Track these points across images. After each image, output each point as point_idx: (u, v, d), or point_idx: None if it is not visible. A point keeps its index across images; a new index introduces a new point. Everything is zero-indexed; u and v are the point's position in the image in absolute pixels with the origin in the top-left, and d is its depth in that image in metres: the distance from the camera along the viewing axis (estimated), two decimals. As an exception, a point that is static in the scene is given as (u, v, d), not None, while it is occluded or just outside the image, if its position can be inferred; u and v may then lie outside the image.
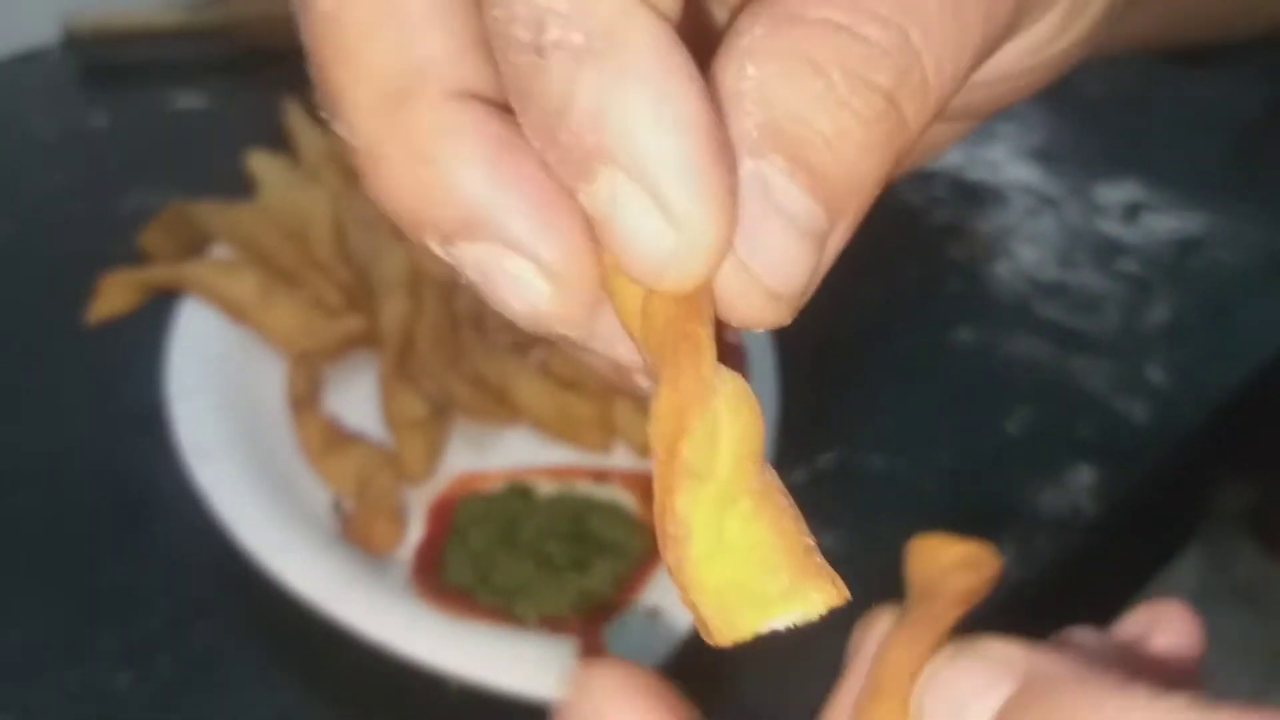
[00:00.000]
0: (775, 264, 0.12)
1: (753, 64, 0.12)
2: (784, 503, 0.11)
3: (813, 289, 0.13)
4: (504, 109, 0.12)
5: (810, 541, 0.11)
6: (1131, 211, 0.50)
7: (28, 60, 0.65)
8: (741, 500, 0.11)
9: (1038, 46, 0.15)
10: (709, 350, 0.11)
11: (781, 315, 0.13)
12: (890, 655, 0.15)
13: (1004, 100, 0.16)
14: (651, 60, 0.11)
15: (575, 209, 0.12)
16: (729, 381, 0.11)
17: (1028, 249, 0.48)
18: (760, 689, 0.31)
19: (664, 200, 0.11)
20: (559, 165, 0.12)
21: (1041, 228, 0.50)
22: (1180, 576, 0.84)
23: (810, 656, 0.32)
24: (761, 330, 0.13)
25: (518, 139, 0.12)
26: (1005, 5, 0.14)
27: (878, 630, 0.16)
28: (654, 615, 0.29)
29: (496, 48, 0.12)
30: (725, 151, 0.12)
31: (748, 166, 0.12)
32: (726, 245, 0.12)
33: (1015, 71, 0.16)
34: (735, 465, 0.11)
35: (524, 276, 0.12)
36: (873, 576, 0.37)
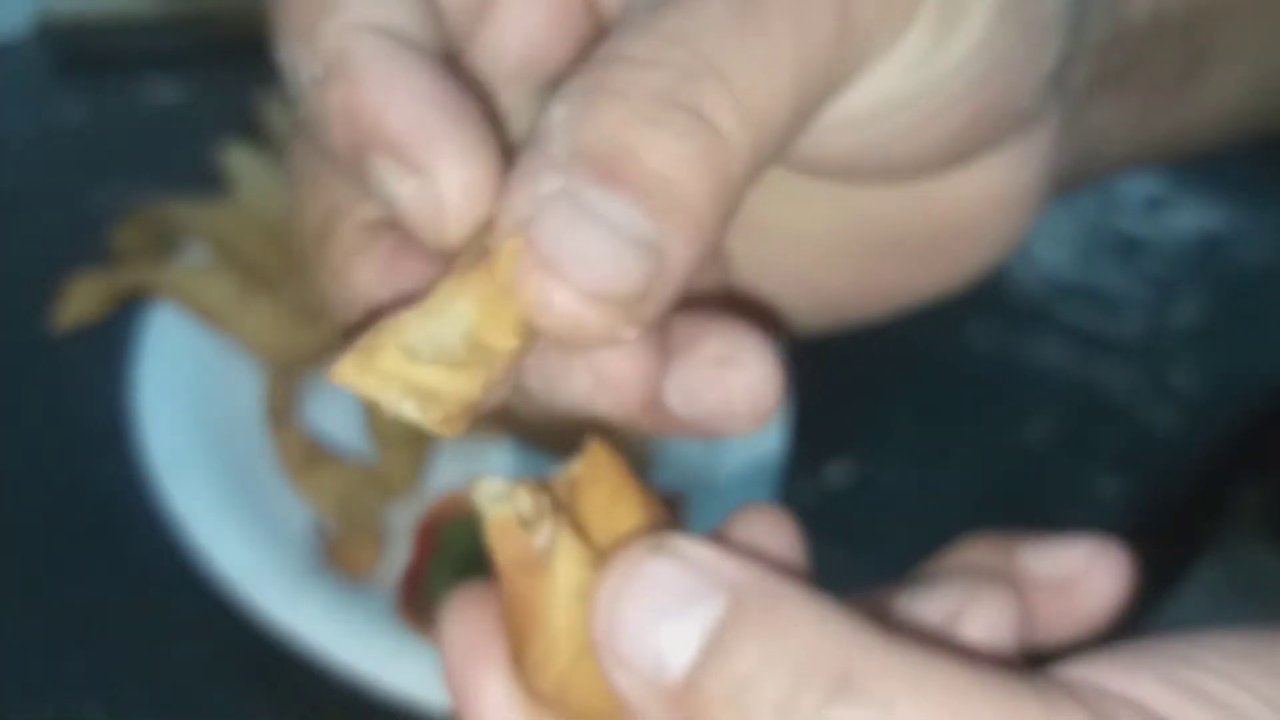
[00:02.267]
0: (591, 263, 0.12)
1: (561, 104, 0.13)
2: None
3: (656, 302, 0.13)
4: None
5: None
6: (1152, 207, 0.49)
7: (1, 51, 0.63)
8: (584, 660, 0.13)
9: (910, 66, 0.15)
10: None
11: (606, 320, 0.13)
12: (532, 589, 0.13)
13: (917, 139, 0.16)
14: (372, 64, 0.13)
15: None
16: None
17: (1047, 248, 0.47)
18: None
19: (410, 161, 0.13)
20: (350, 175, 0.14)
21: (1061, 225, 0.48)
22: (1196, 579, 0.83)
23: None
24: (596, 345, 0.13)
25: None
26: (824, 17, 0.14)
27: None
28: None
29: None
30: (459, 111, 0.13)
31: (554, 183, 0.13)
32: (476, 188, 0.13)
33: (900, 98, 0.15)
34: None
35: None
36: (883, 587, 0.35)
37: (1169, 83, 0.20)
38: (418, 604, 0.30)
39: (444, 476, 0.34)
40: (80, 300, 0.39)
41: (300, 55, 0.14)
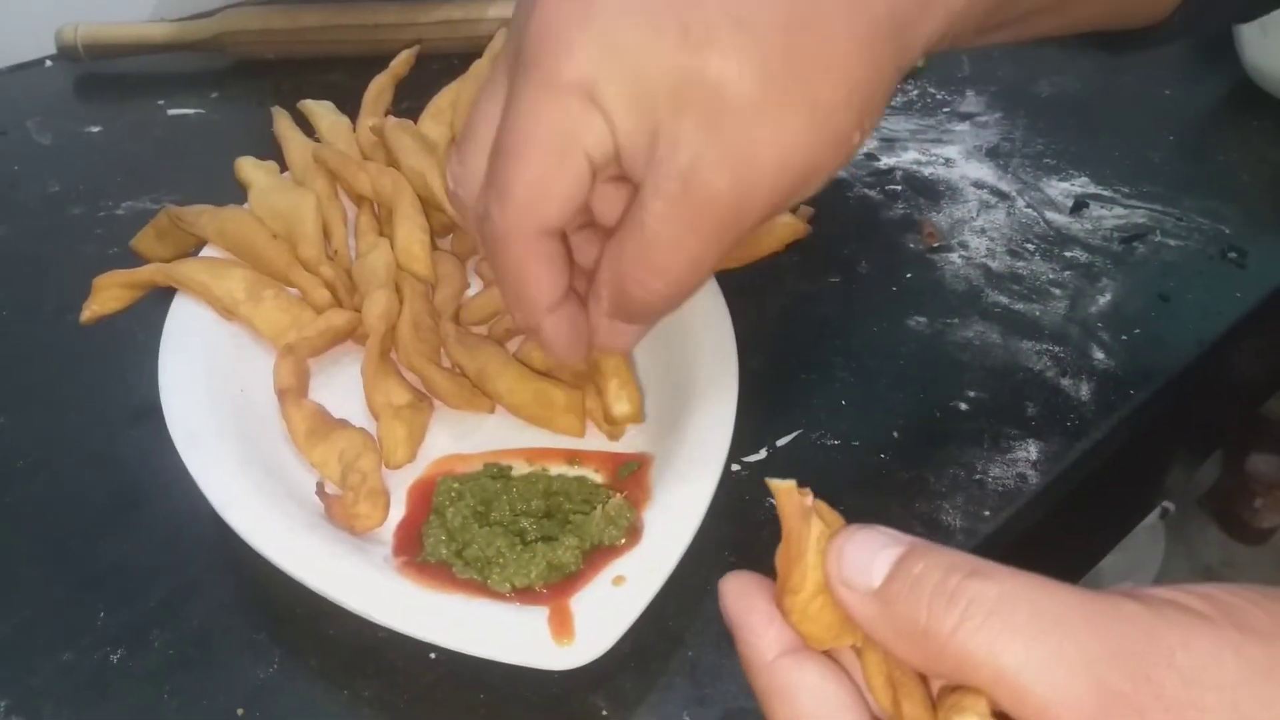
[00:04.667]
0: (624, 345, 0.31)
1: (598, 287, 0.30)
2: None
3: (639, 339, 0.32)
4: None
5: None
6: (1081, 204, 0.52)
7: (23, 71, 0.67)
8: (816, 599, 0.23)
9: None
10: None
11: (630, 347, 0.32)
12: (802, 532, 0.23)
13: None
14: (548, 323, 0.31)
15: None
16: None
17: (980, 240, 0.50)
18: (711, 652, 0.33)
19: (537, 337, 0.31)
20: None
21: (994, 220, 0.52)
22: (1146, 559, 0.86)
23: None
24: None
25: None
26: (714, 242, 0.28)
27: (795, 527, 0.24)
28: (619, 585, 0.31)
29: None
30: (581, 338, 0.31)
31: (600, 316, 0.30)
32: (573, 343, 0.31)
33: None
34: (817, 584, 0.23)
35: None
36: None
37: (952, 44, 0.30)
38: (412, 554, 0.34)
39: (435, 446, 0.38)
40: (106, 296, 0.42)
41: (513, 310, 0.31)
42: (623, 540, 0.32)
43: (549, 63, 0.25)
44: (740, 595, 0.24)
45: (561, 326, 0.30)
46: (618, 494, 0.33)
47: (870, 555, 0.21)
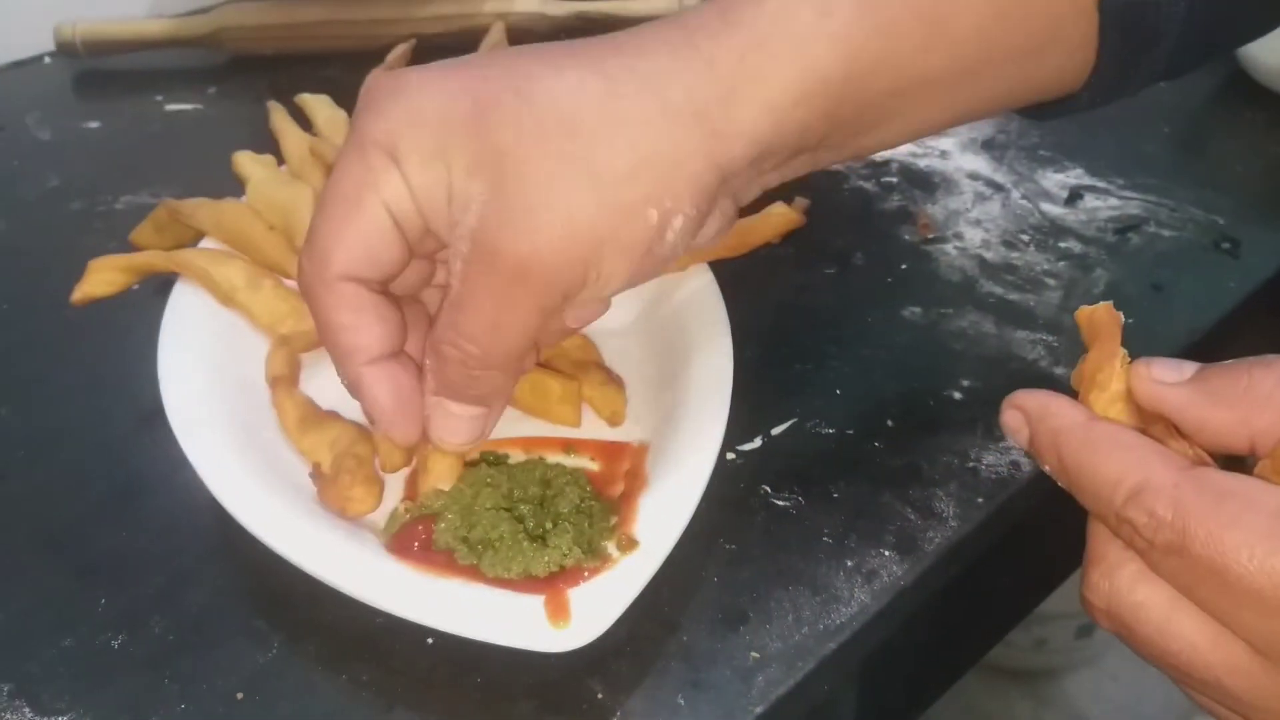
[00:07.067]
0: (456, 433, 0.32)
1: (427, 359, 0.31)
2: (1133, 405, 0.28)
3: (487, 433, 0.33)
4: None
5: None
6: (1075, 195, 0.53)
7: (21, 68, 0.67)
8: (1117, 403, 0.28)
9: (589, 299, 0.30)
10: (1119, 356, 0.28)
11: (471, 441, 0.33)
12: (1115, 335, 0.28)
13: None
14: (371, 389, 0.32)
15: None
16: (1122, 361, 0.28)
17: (975, 231, 0.50)
18: (706, 638, 0.33)
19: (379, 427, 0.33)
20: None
21: (989, 211, 0.52)
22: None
23: (748, 609, 0.34)
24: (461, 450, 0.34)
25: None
26: (534, 316, 0.29)
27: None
28: (615, 573, 0.31)
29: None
30: (408, 406, 0.32)
31: (432, 399, 0.31)
32: (409, 431, 0.32)
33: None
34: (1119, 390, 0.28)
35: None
36: (823, 527, 0.39)
37: (836, 147, 0.30)
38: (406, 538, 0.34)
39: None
40: (99, 278, 0.42)
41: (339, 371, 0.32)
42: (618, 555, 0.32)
43: (361, 126, 0.28)
44: (1037, 394, 0.28)
45: (381, 383, 0.30)
46: (613, 516, 0.33)
47: (1176, 363, 0.26)
